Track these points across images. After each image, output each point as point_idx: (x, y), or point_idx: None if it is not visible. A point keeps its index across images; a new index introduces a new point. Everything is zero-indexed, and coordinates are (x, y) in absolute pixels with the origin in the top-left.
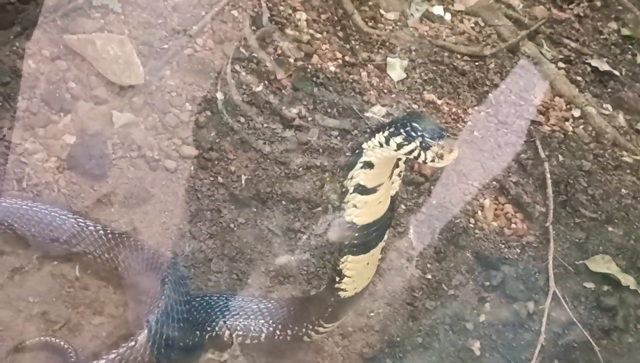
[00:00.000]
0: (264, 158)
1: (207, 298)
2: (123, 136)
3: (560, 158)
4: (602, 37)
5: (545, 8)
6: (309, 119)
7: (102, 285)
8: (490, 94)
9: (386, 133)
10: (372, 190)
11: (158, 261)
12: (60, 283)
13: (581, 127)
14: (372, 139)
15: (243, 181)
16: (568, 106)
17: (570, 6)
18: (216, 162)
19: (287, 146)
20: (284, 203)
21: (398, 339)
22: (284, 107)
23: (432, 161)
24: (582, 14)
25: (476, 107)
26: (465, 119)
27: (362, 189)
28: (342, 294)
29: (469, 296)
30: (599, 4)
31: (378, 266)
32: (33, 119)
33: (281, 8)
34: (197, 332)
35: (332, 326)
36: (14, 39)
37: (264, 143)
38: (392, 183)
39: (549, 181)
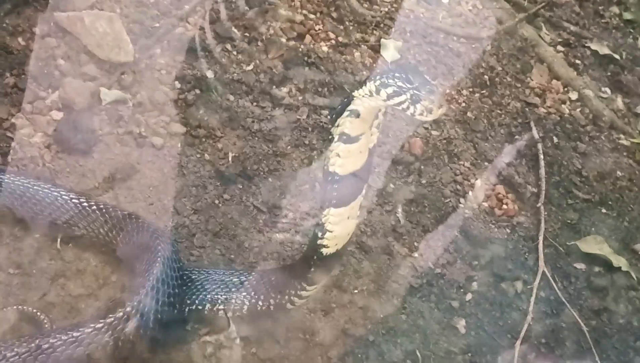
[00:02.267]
0: (252, 136)
1: (187, 272)
2: (111, 112)
3: (555, 139)
4: (603, 20)
5: None
6: (299, 98)
7: (85, 257)
8: (485, 76)
9: (377, 83)
10: (355, 139)
11: (153, 236)
12: (41, 255)
13: (578, 110)
14: (363, 87)
15: (230, 159)
16: (565, 89)
17: None
18: (203, 139)
19: (276, 124)
20: (270, 180)
21: (381, 316)
22: (274, 87)
23: (421, 114)
24: None
25: (470, 89)
26: (459, 101)
27: (346, 138)
28: (324, 251)
29: (456, 275)
30: None
31: (364, 243)
32: (20, 95)
33: None
34: (177, 305)
35: (314, 288)
36: (4, 16)
37: (253, 121)
38: (372, 135)
39: (542, 162)
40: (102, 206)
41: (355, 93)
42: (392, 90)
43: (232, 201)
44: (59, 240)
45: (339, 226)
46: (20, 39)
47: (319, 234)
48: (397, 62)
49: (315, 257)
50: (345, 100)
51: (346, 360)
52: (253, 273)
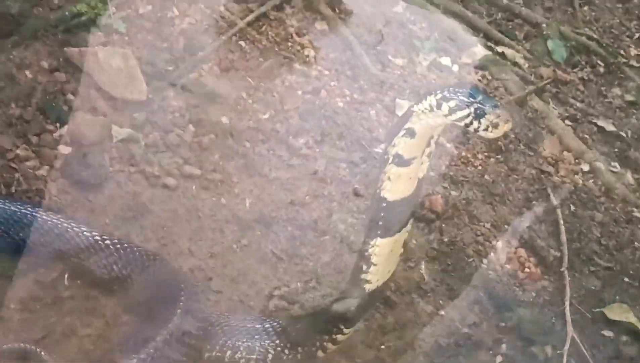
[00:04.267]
0: (270, 184)
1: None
2: (122, 150)
3: (572, 207)
4: (606, 100)
5: (550, 69)
6: (317, 149)
7: (94, 295)
8: (499, 142)
9: (439, 96)
10: (407, 162)
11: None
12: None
13: (591, 181)
14: (423, 102)
15: (247, 204)
16: (577, 161)
17: (575, 70)
18: (219, 184)
19: (293, 173)
20: (289, 228)
21: None
22: (290, 137)
23: (486, 129)
24: (586, 78)
25: (486, 153)
26: (475, 164)
27: (398, 160)
28: (367, 287)
29: (483, 336)
30: (602, 70)
31: (389, 298)
32: (26, 127)
33: (289, 44)
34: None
35: (351, 331)
36: (11, 48)
37: (270, 169)
38: (422, 163)
39: (562, 227)
40: (116, 242)
41: (415, 108)
42: (454, 103)
43: (250, 247)
44: (66, 275)
45: (384, 259)
46: (27, 72)
47: (364, 267)
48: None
49: (356, 294)
50: (403, 118)
51: None
52: (279, 319)
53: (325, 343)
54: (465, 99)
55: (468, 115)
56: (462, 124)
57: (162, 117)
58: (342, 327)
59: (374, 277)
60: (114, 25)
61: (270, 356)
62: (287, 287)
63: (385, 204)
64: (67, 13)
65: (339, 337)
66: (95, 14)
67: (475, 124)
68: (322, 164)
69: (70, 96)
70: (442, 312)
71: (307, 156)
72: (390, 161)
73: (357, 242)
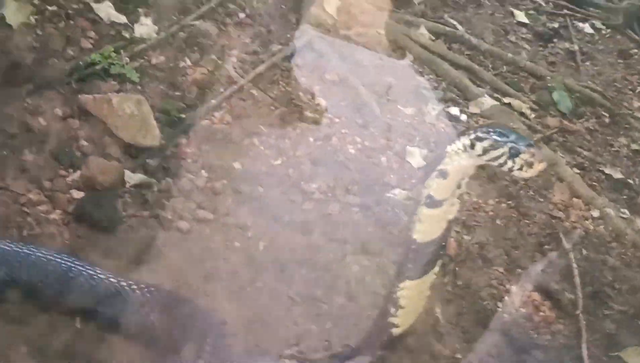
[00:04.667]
0: (283, 227)
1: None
2: (135, 195)
3: (584, 251)
4: (613, 149)
5: (556, 119)
6: (329, 194)
7: (108, 338)
8: (509, 188)
9: (472, 136)
10: (439, 203)
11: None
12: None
13: (601, 226)
14: (456, 142)
15: (261, 247)
16: (587, 207)
17: (580, 120)
18: (233, 228)
19: (307, 217)
20: (304, 271)
21: None
22: (302, 182)
23: (520, 169)
24: (592, 128)
25: (497, 199)
26: (486, 209)
27: (430, 202)
28: (394, 331)
29: None
30: (607, 120)
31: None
32: (39, 172)
33: (300, 93)
34: None
35: None
36: (26, 96)
37: (283, 214)
38: (452, 205)
39: (575, 270)
40: (134, 285)
41: (448, 148)
42: (488, 143)
43: (264, 290)
44: (78, 319)
45: (412, 301)
46: (41, 119)
47: (392, 310)
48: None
49: (384, 339)
50: (438, 155)
51: None
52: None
53: None
54: (499, 139)
55: (502, 155)
56: (496, 164)
57: (175, 163)
58: None
59: (402, 320)
60: (127, 74)
61: None
62: (302, 330)
63: (414, 246)
64: (81, 63)
65: None
66: (108, 64)
67: (510, 163)
68: (336, 208)
69: (83, 142)
70: (458, 355)
71: (320, 201)
72: (422, 203)
73: (371, 283)
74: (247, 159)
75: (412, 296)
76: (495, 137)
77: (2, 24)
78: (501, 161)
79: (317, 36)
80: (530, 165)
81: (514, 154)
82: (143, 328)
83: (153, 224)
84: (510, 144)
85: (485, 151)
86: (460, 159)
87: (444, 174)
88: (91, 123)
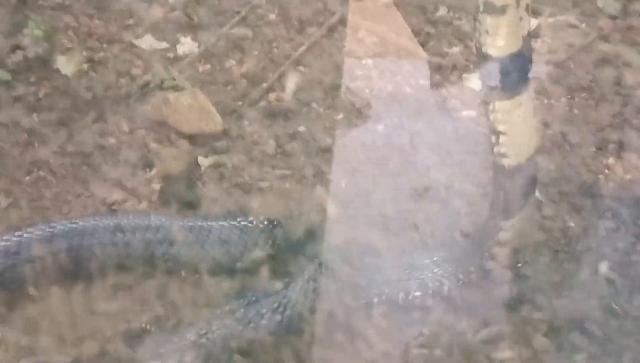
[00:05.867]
0: (356, 168)
1: None
2: (211, 175)
3: None
4: None
5: (608, 21)
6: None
7: None
8: (580, 83)
9: None
10: (501, 10)
11: None
12: None
13: None
14: None
15: (344, 186)
16: None
17: (634, 17)
18: (312, 176)
19: (379, 152)
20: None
21: None
22: (371, 121)
23: None
24: None
25: (568, 95)
26: (557, 107)
27: (489, 7)
28: (505, 162)
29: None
30: None
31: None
32: (119, 177)
33: (347, 58)
34: None
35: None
36: (92, 123)
37: (354, 154)
38: (521, 18)
39: None
40: None
41: None
42: None
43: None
44: None
45: (511, 125)
46: (110, 138)
47: (494, 140)
48: None
49: (499, 175)
50: None
51: None
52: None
53: (492, 251)
54: None
55: None
56: None
57: (242, 142)
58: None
59: (510, 150)
60: (179, 84)
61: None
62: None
63: (492, 60)
64: (135, 86)
65: (502, 235)
66: (160, 81)
67: None
68: (406, 136)
69: (153, 145)
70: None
71: (389, 135)
72: (482, 11)
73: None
74: (309, 122)
75: (510, 120)
76: None
77: (59, 76)
78: None
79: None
80: None
81: None
82: None
83: (234, 192)
84: None
85: None
86: None
87: None
88: (156, 128)
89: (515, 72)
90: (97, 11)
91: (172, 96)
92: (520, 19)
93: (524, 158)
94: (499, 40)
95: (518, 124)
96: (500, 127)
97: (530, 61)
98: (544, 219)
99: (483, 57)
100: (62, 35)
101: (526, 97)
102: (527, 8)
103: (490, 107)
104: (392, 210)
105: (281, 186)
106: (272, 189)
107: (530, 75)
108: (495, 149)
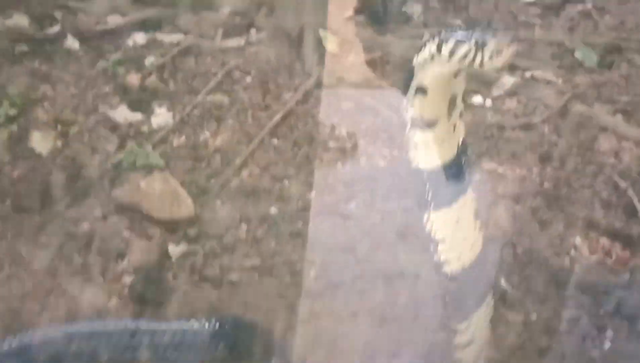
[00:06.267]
0: (329, 251)
1: None
2: (182, 265)
3: None
4: None
5: (585, 75)
6: (368, 207)
7: None
8: (551, 152)
9: (437, 41)
10: (431, 123)
11: None
12: None
13: None
14: (422, 51)
15: (313, 276)
16: (638, 147)
17: (610, 70)
18: (282, 265)
19: (350, 234)
20: (358, 284)
21: None
22: (341, 204)
23: (490, 58)
24: (624, 73)
25: (540, 166)
26: (531, 178)
27: (420, 123)
28: (447, 269)
29: (586, 327)
30: (639, 62)
31: None
32: (91, 270)
33: (319, 129)
34: None
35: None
36: (66, 209)
37: (327, 237)
38: (454, 127)
39: (637, 205)
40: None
41: (415, 60)
42: (453, 43)
43: (322, 314)
44: None
45: (449, 233)
46: (84, 224)
47: (432, 247)
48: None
49: (444, 281)
50: (408, 74)
51: None
52: None
53: None
54: (463, 37)
55: (469, 50)
56: (466, 62)
57: (213, 226)
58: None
59: (450, 255)
60: (152, 162)
61: None
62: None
63: (423, 174)
64: (108, 166)
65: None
66: (134, 158)
67: (479, 56)
68: (377, 217)
69: (125, 233)
70: (534, 317)
71: (360, 216)
72: (410, 127)
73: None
74: (281, 202)
75: (447, 228)
76: (458, 37)
77: (33, 154)
78: (470, 56)
79: (325, 73)
80: (499, 52)
81: (480, 45)
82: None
83: (204, 285)
84: (474, 39)
85: (452, 52)
86: (432, 68)
87: (423, 90)
88: (128, 213)
89: (450, 182)
90: (74, 77)
91: (143, 183)
92: (454, 127)
93: (468, 262)
94: (429, 154)
95: (457, 231)
96: (437, 236)
97: (467, 165)
98: (508, 311)
99: (414, 172)
100: (37, 107)
101: (464, 203)
102: (461, 115)
103: (426, 216)
104: (359, 305)
105: (251, 279)
106: (241, 282)
107: (467, 179)
108: (435, 257)
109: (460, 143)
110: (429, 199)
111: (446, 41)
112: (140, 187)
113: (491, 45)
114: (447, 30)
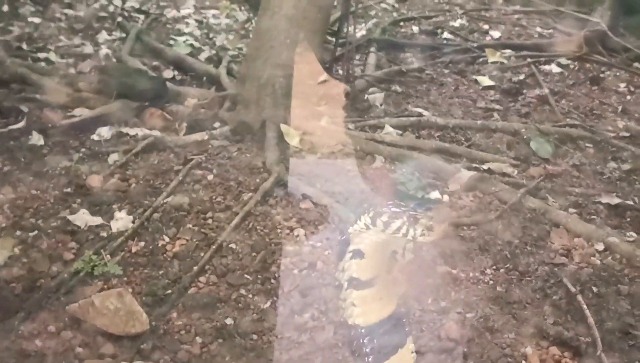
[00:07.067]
0: None
1: None
2: None
3: (595, 289)
4: (604, 176)
5: (540, 167)
6: (323, 319)
7: None
8: (504, 252)
9: (372, 214)
10: (368, 283)
11: None
12: None
13: (609, 257)
14: (358, 222)
15: None
16: (590, 243)
17: (565, 160)
18: None
19: (305, 349)
20: None
21: None
22: (296, 315)
23: (422, 234)
24: (577, 163)
25: (493, 267)
26: (485, 280)
27: (357, 283)
28: None
29: None
30: (592, 150)
31: None
32: None
33: (278, 231)
34: None
35: None
36: (19, 324)
37: (281, 353)
38: (393, 283)
39: (587, 312)
40: None
41: (350, 229)
42: (387, 217)
43: None
44: None
45: None
46: (37, 341)
47: None
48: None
49: None
50: (343, 238)
51: None
52: None
53: None
54: (397, 210)
55: (402, 225)
56: (400, 235)
57: (169, 339)
58: None
59: None
60: (110, 271)
61: None
62: None
63: (362, 331)
64: (66, 275)
65: None
66: (91, 267)
67: (412, 231)
68: (331, 330)
69: (78, 350)
70: None
71: (315, 328)
72: (346, 287)
73: None
74: (237, 312)
75: None
76: (393, 209)
77: None
78: (403, 231)
79: (286, 172)
80: (430, 229)
81: (412, 222)
82: None
83: None
84: (408, 213)
85: (386, 225)
86: (368, 236)
87: (359, 254)
88: (82, 329)
89: (390, 335)
90: (36, 178)
91: (98, 299)
92: (393, 282)
93: None
94: (366, 310)
95: None
96: None
97: (406, 317)
98: None
99: (350, 328)
100: None
101: (401, 356)
102: (401, 269)
103: None
104: None
105: None
106: None
107: (406, 331)
108: None
109: (399, 297)
110: (366, 355)
111: (381, 214)
112: (95, 304)
113: (423, 221)
114: (387, 202)
